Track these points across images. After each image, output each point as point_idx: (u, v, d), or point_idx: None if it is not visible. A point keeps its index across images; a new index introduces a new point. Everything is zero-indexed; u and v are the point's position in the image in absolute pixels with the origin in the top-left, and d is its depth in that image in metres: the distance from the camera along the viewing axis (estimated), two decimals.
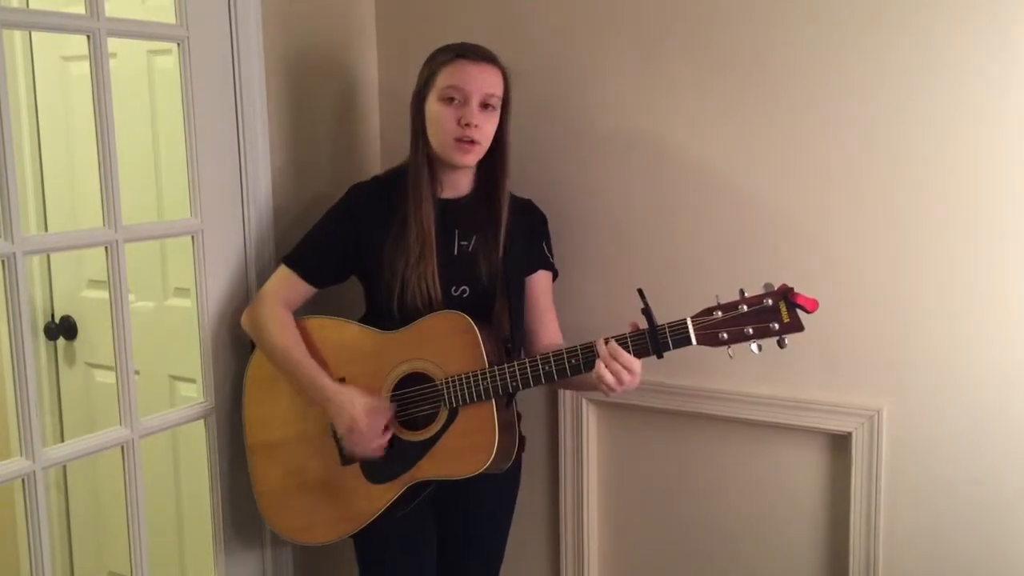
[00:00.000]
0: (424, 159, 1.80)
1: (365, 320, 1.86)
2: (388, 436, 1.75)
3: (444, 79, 1.75)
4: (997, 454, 1.74)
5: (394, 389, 1.77)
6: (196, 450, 2.03)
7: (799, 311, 1.54)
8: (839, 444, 1.89)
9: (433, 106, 1.76)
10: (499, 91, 1.76)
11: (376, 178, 1.91)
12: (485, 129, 1.76)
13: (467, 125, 1.73)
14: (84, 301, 2.55)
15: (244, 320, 1.90)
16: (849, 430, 1.85)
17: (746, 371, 1.92)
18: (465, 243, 1.83)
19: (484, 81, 1.74)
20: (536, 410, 2.17)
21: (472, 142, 1.74)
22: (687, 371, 1.97)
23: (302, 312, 1.89)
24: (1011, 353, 1.71)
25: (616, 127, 2.01)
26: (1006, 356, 1.71)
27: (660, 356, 1.60)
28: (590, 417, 2.13)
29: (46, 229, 2.56)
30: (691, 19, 1.91)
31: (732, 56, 1.88)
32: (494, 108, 1.77)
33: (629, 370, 1.60)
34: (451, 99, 1.74)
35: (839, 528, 1.91)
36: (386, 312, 1.80)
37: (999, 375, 1.72)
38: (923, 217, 1.75)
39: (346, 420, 1.74)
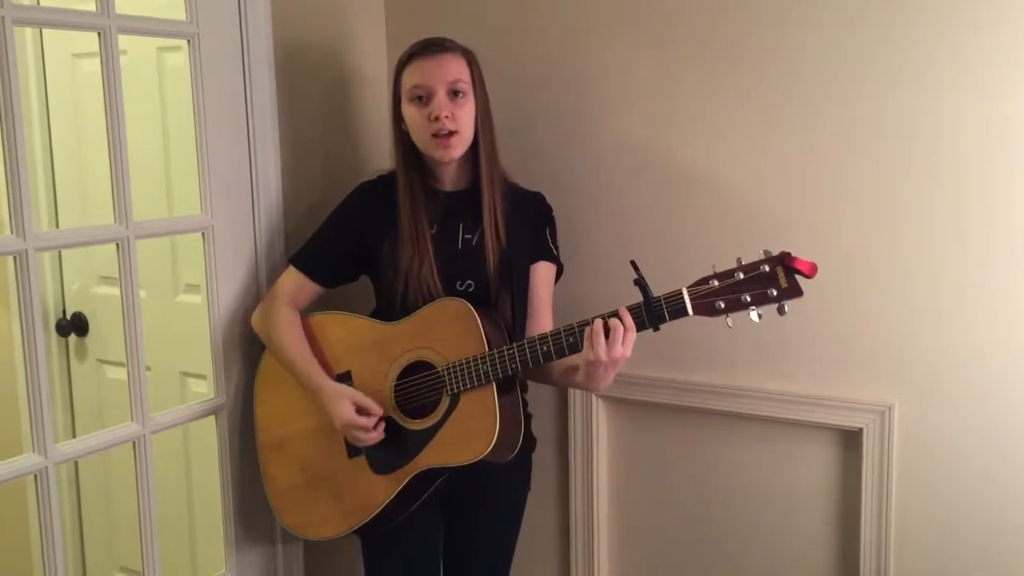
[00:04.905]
0: (413, 162, 1.81)
1: (375, 315, 1.87)
2: (380, 430, 1.75)
3: (407, 80, 1.76)
4: (1008, 450, 1.73)
5: (399, 378, 1.78)
6: (207, 446, 2.04)
7: (797, 276, 1.49)
8: (850, 440, 1.88)
9: (407, 109, 1.78)
10: (465, 75, 1.75)
11: (382, 176, 1.91)
12: (459, 117, 1.74)
13: (437, 118, 1.72)
14: (95, 297, 2.56)
15: (254, 320, 1.93)
16: (860, 426, 1.84)
17: (757, 367, 1.91)
18: (470, 236, 1.83)
19: (445, 71, 1.73)
20: (547, 406, 2.17)
21: (450, 134, 1.74)
22: (698, 367, 1.97)
23: (315, 307, 1.89)
24: (1022, 350, 1.70)
25: (623, 128, 2.00)
26: (1017, 352, 1.70)
27: (656, 328, 1.57)
28: (600, 413, 2.13)
29: (57, 226, 2.57)
30: (698, 18, 1.90)
31: (739, 55, 1.87)
32: (464, 94, 1.75)
33: (626, 328, 1.55)
34: (419, 98, 1.75)
35: (850, 524, 1.90)
36: (391, 308, 1.81)
37: (1010, 371, 1.71)
38: (935, 214, 1.74)
39: (338, 418, 1.76)
